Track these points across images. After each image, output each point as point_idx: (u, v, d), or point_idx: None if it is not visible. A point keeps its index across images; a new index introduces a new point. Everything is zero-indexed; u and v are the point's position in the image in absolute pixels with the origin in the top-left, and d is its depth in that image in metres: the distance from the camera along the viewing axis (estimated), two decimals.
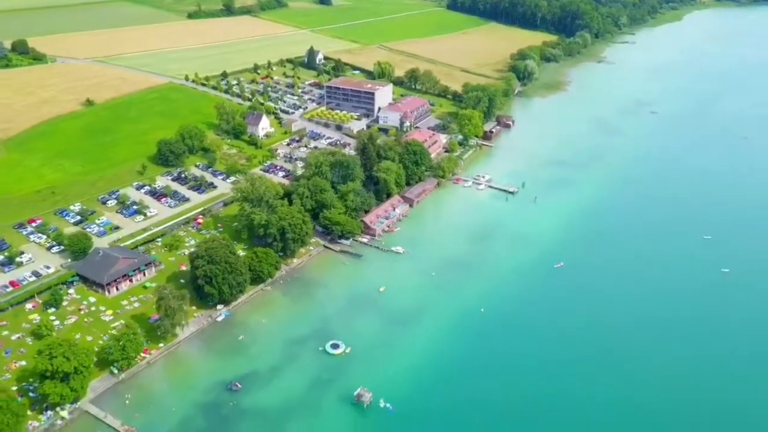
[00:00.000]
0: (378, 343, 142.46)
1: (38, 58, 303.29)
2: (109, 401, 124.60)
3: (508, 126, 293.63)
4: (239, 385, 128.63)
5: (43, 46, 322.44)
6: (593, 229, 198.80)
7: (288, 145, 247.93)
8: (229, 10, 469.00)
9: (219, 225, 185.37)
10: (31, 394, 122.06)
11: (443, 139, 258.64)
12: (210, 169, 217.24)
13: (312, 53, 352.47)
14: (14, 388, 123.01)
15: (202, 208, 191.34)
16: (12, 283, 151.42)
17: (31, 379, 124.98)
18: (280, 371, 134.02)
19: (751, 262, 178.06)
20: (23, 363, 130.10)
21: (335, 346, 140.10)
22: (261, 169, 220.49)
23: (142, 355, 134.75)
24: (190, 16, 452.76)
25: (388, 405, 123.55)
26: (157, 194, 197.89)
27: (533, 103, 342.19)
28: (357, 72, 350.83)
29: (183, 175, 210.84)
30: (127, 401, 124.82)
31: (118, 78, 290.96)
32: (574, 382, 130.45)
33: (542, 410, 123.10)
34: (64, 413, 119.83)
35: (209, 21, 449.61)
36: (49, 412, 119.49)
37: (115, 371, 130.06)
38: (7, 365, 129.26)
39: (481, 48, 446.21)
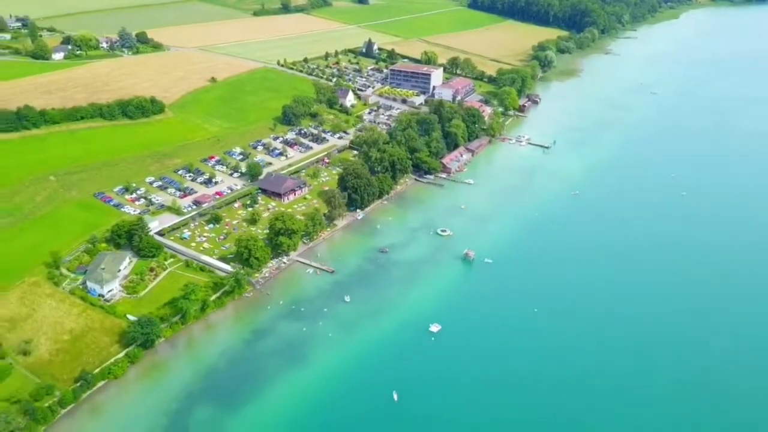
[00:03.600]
0: (470, 230, 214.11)
1: (156, 46, 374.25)
2: (307, 256, 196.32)
3: (536, 102, 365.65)
4: (387, 250, 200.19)
5: (152, 36, 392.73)
6: (601, 171, 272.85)
7: (369, 113, 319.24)
8: (286, 9, 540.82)
9: (339, 163, 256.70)
10: None
11: (488, 109, 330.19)
12: (320, 128, 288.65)
13: (370, 44, 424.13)
14: None
15: (325, 152, 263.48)
16: (218, 193, 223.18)
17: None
18: (409, 243, 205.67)
19: (700, 188, 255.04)
20: None
21: (443, 231, 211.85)
22: (356, 129, 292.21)
23: (319, 234, 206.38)
24: (255, 13, 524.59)
25: (487, 259, 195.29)
26: (289, 143, 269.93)
27: (553, 85, 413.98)
28: (406, 60, 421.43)
29: (303, 132, 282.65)
30: (318, 255, 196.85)
31: (223, 62, 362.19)
32: (579, 238, 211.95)
33: (564, 252, 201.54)
34: (285, 259, 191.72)
35: (271, 18, 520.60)
36: (275, 260, 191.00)
37: (306, 240, 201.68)
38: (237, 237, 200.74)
39: (503, 41, 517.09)
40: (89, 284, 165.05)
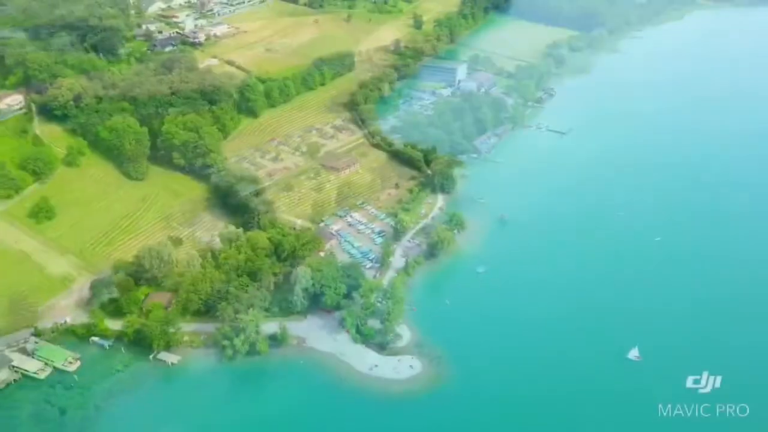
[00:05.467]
0: (502, 199, 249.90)
1: None
2: None
3: (552, 95, 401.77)
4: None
5: None
6: (610, 153, 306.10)
7: (402, 103, 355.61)
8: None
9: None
10: None
11: (510, 100, 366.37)
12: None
13: (397, 42, 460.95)
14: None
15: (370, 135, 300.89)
16: (285, 168, 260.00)
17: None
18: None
19: (694, 172, 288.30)
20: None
21: (479, 198, 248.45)
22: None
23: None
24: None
25: (521, 220, 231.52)
26: (338, 128, 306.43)
27: (567, 80, 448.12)
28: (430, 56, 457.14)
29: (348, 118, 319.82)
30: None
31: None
32: (594, 203, 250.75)
33: (583, 214, 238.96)
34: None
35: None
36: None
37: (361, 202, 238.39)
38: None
39: (518, 41, 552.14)
40: None
